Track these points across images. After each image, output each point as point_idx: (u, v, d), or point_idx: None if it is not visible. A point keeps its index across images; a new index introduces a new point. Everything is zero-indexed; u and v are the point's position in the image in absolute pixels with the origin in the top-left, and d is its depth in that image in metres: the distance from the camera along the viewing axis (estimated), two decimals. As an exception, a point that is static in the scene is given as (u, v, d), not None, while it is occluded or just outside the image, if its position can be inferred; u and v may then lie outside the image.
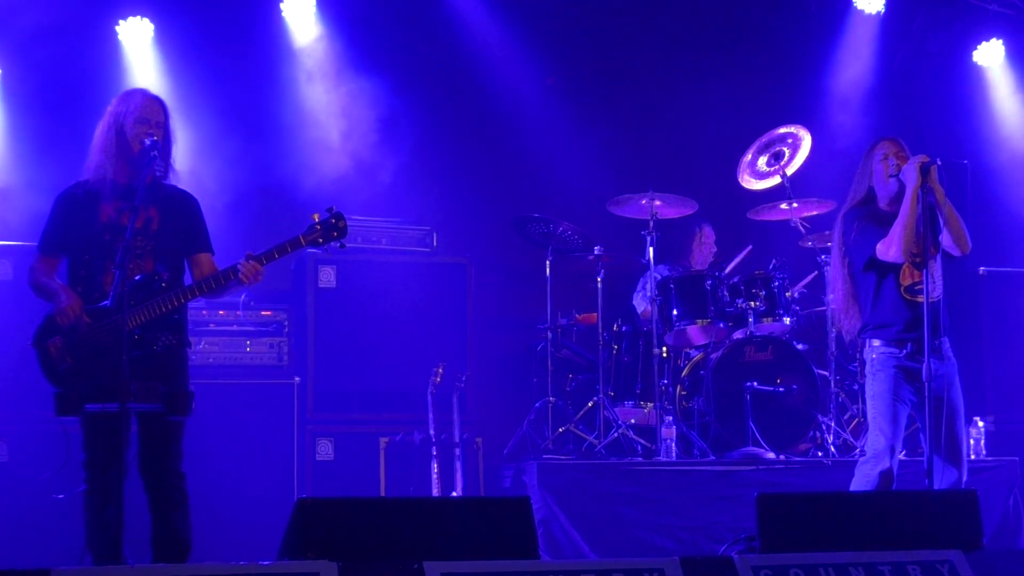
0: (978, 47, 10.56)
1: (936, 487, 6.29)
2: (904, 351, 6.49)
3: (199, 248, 5.99)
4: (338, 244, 5.92)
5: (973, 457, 8.47)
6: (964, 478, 6.45)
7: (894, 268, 6.49)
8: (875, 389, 6.57)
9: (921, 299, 6.36)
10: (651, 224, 8.77)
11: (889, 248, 6.42)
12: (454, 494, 8.08)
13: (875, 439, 6.52)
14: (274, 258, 5.81)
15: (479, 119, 9.91)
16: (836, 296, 6.86)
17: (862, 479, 6.53)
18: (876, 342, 6.58)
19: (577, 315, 9.23)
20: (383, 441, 8.37)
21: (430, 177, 9.56)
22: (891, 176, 6.54)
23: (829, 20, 10.45)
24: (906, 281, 6.52)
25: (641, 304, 9.24)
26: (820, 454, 8.34)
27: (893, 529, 5.14)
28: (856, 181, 6.74)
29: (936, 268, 6.45)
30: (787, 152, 9.15)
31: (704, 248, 9.50)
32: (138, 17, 9.11)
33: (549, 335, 8.91)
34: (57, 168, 7.62)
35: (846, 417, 8.62)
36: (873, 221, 6.55)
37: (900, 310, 6.51)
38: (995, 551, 5.51)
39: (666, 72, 10.38)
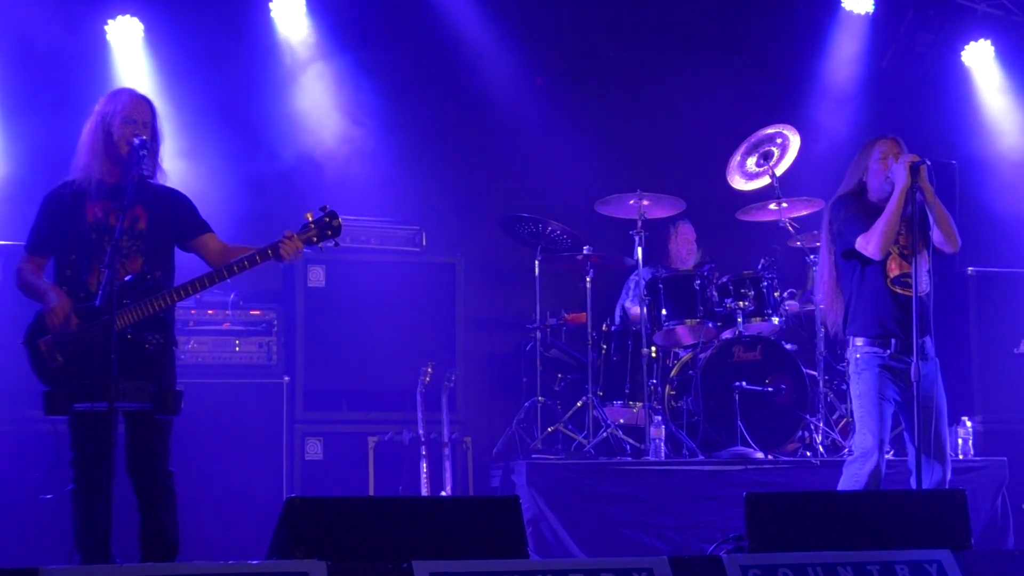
0: (966, 47, 10.57)
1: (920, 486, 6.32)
2: (888, 350, 6.50)
3: (200, 231, 6.00)
4: (332, 243, 5.93)
5: (961, 457, 8.50)
6: (948, 476, 6.48)
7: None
8: (860, 388, 6.58)
9: (902, 292, 6.41)
10: (639, 224, 8.78)
11: (868, 243, 6.45)
12: (443, 493, 8.08)
13: (863, 438, 6.53)
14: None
15: (468, 119, 9.91)
16: (823, 285, 6.86)
17: (850, 478, 6.54)
18: (859, 341, 6.60)
19: (566, 315, 9.23)
20: (372, 440, 8.36)
21: (419, 177, 9.56)
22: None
23: (818, 20, 10.45)
24: (892, 273, 6.53)
25: (631, 307, 9.22)
26: (808, 454, 8.35)
27: (882, 529, 5.15)
28: (849, 174, 6.75)
29: (923, 265, 6.47)
30: (776, 152, 9.15)
31: (682, 246, 9.51)
32: (127, 16, 9.08)
33: (538, 335, 8.91)
34: (46, 167, 7.61)
35: (834, 417, 8.63)
36: (861, 212, 6.56)
37: (884, 301, 6.52)
38: (983, 551, 5.52)
39: (655, 72, 10.38)
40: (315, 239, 5.88)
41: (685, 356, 8.90)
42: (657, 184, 9.02)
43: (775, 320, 8.73)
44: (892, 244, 6.46)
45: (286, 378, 8.36)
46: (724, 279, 8.78)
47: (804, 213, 8.98)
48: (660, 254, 9.45)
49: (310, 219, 5.89)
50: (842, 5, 10.38)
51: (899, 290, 6.51)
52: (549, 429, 8.60)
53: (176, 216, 5.97)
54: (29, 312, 5.78)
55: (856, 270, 6.59)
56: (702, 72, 10.27)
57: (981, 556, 5.14)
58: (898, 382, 6.50)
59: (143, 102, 5.94)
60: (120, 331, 5.45)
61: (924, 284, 6.44)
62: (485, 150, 9.94)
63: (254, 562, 4.53)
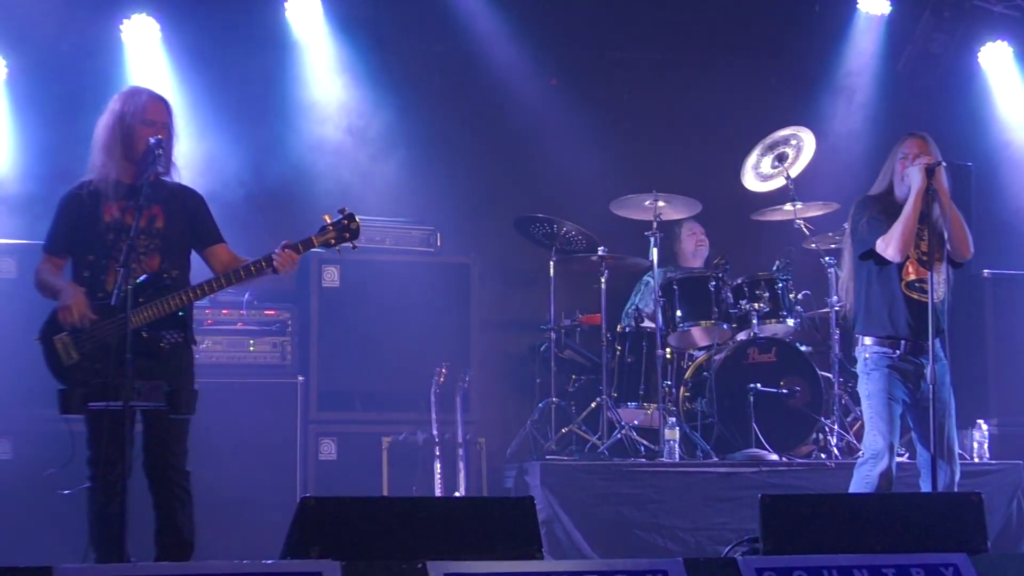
0: (983, 48, 10.53)
1: (929, 486, 6.31)
2: (897, 351, 6.50)
3: (213, 240, 6.00)
4: (350, 245, 5.92)
5: (977, 460, 8.47)
6: (958, 477, 6.48)
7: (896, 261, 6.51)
8: (870, 388, 6.58)
9: (917, 297, 6.40)
10: (654, 225, 8.77)
11: (888, 246, 6.45)
12: (457, 494, 8.07)
13: (873, 439, 6.53)
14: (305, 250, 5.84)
15: (483, 119, 9.90)
16: (844, 285, 6.89)
17: (861, 480, 6.55)
18: (868, 340, 6.60)
19: (580, 316, 9.21)
20: (386, 441, 8.37)
21: (434, 177, 9.55)
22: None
23: (834, 21, 10.42)
24: (908, 277, 6.52)
25: (644, 308, 9.20)
26: (823, 456, 8.33)
27: (897, 532, 5.14)
28: (881, 173, 6.75)
29: (941, 270, 6.46)
30: (791, 154, 9.13)
31: (688, 242, 9.52)
32: (142, 14, 9.09)
33: (552, 336, 8.89)
34: (61, 166, 7.63)
35: (849, 419, 8.61)
36: (882, 214, 6.56)
37: (898, 304, 6.52)
38: (1000, 555, 5.51)
39: (670, 73, 10.37)
40: (333, 241, 5.88)
41: (700, 357, 8.89)
42: (673, 185, 8.99)
43: (790, 322, 8.72)
44: (912, 247, 6.45)
45: (300, 378, 8.37)
46: (739, 281, 8.77)
47: (819, 214, 8.96)
48: (670, 255, 9.44)
49: (328, 221, 5.89)
50: (858, 6, 10.35)
51: (914, 295, 6.51)
52: (563, 430, 8.59)
53: (194, 217, 5.98)
54: (46, 310, 5.79)
55: (872, 271, 6.59)
56: (717, 73, 10.26)
57: (997, 560, 5.13)
58: (907, 383, 6.51)
59: (161, 103, 5.95)
60: (136, 330, 5.45)
61: (940, 291, 6.43)
62: (500, 151, 9.94)
63: (268, 562, 4.53)
